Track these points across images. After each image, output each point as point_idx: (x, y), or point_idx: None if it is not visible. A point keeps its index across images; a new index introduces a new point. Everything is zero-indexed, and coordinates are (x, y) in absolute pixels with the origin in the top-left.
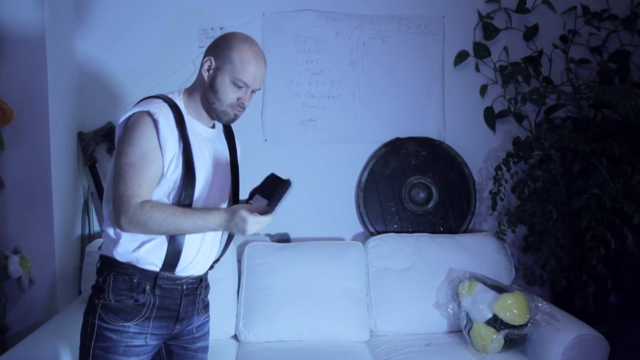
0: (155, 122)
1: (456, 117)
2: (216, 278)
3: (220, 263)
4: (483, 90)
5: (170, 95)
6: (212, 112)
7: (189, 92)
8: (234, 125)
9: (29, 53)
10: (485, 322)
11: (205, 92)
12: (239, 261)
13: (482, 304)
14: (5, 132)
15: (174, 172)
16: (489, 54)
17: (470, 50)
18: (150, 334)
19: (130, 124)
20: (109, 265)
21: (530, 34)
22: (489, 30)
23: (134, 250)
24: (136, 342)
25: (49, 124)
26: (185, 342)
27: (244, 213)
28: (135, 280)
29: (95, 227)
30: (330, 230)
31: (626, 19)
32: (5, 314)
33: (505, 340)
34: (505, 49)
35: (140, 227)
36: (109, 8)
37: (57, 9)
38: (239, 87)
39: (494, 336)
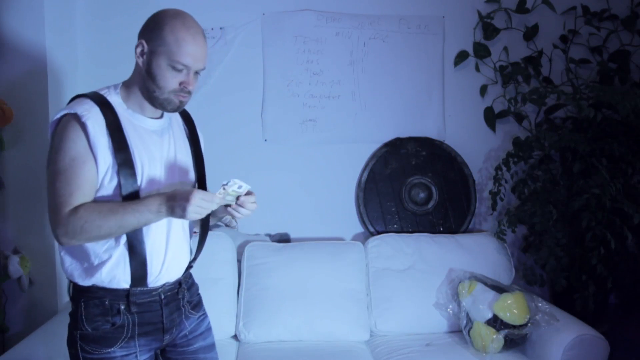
0: (83, 125)
1: (456, 117)
2: (216, 278)
3: (220, 263)
4: (483, 90)
5: (104, 92)
6: (154, 101)
7: (128, 84)
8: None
9: (29, 53)
10: (485, 322)
11: (144, 80)
12: (239, 261)
13: (482, 304)
14: (5, 132)
15: (111, 181)
16: (489, 54)
17: (470, 50)
18: (139, 351)
19: (59, 130)
20: (79, 290)
21: (530, 34)
22: (489, 30)
23: (96, 272)
24: None
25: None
26: (181, 346)
27: (189, 188)
28: (107, 303)
29: None
30: (330, 230)
31: (626, 19)
32: (5, 314)
33: (505, 340)
34: (505, 49)
35: (80, 236)
36: (109, 9)
37: (57, 10)
38: (179, 71)
39: (494, 336)
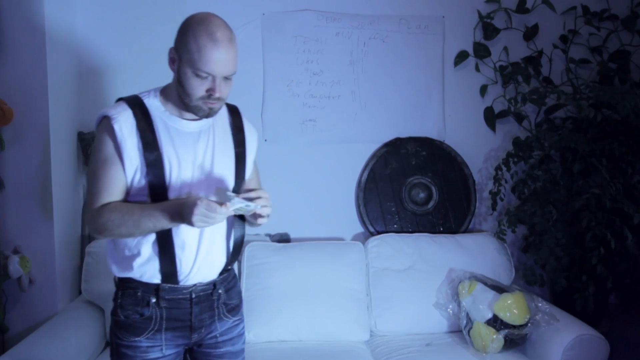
0: (112, 128)
1: (456, 117)
2: None
3: None
4: (483, 90)
5: (143, 94)
6: (187, 107)
7: (167, 88)
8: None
9: (29, 53)
10: (485, 322)
11: (177, 87)
12: (239, 261)
13: (482, 304)
14: (5, 132)
15: (140, 181)
16: (489, 54)
17: (470, 50)
18: (165, 345)
19: (97, 132)
20: (119, 280)
21: (530, 34)
22: (489, 30)
23: (128, 266)
24: (152, 355)
25: (49, 124)
26: (208, 347)
27: (197, 197)
28: (139, 294)
29: None
30: (330, 230)
31: (626, 19)
32: (5, 314)
33: (505, 340)
34: (505, 49)
35: (104, 232)
36: (109, 9)
37: (57, 10)
38: (203, 78)
39: (494, 336)
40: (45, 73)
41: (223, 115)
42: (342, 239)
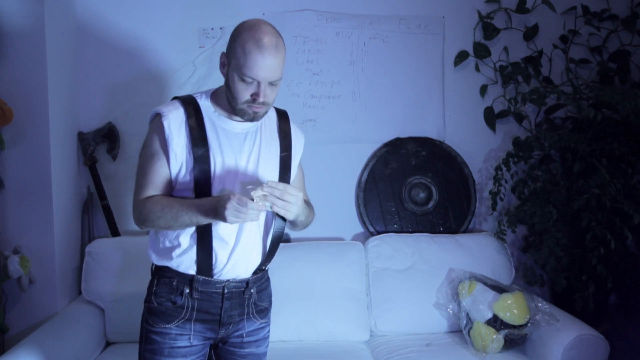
0: (162, 125)
1: (456, 117)
2: None
3: None
4: (483, 90)
5: (196, 95)
6: (234, 110)
7: (218, 91)
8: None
9: (29, 53)
10: (485, 322)
11: (226, 91)
12: None
13: (482, 304)
14: (5, 132)
15: (185, 176)
16: (489, 54)
17: (470, 50)
18: (193, 335)
19: (149, 127)
20: (156, 269)
21: (530, 34)
22: (489, 30)
23: (166, 256)
24: (180, 343)
25: (49, 124)
26: (233, 346)
27: (231, 192)
28: (174, 283)
29: (96, 227)
30: (330, 230)
31: (626, 19)
32: (5, 314)
33: (505, 340)
34: (505, 49)
35: (146, 223)
36: (109, 8)
37: (57, 10)
38: (249, 83)
39: (494, 336)
40: (45, 73)
41: (272, 119)
42: (342, 239)
